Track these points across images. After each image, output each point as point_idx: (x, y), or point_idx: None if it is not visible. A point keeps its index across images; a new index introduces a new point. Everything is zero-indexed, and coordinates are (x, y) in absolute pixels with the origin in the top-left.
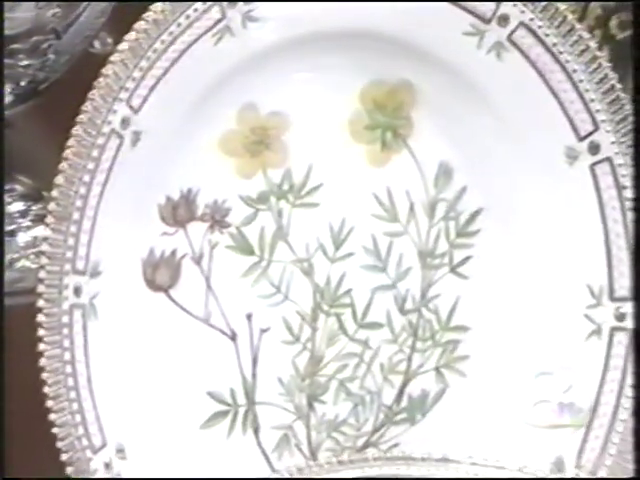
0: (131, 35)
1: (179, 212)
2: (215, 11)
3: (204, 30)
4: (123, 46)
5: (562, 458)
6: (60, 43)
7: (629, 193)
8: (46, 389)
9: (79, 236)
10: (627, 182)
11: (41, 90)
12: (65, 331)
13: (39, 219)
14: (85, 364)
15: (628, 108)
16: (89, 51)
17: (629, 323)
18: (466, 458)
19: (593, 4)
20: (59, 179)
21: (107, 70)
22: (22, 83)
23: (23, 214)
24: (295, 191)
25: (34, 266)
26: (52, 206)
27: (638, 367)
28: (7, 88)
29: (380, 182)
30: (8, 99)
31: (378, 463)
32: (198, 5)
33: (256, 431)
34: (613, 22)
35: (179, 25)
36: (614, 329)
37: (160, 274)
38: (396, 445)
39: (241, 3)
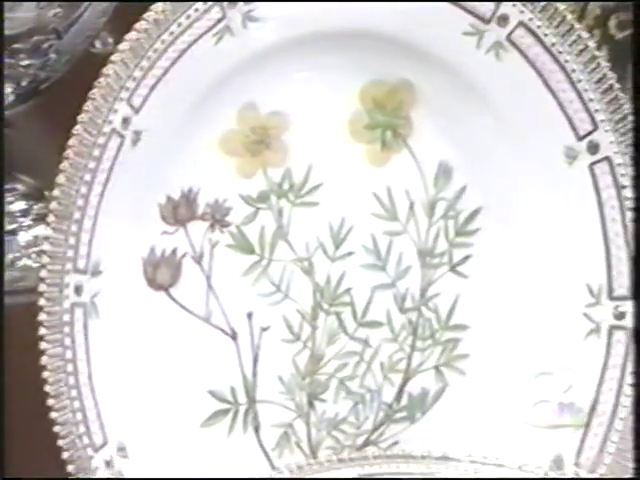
0: (132, 35)
1: (180, 211)
2: (215, 11)
3: (204, 30)
4: (124, 46)
5: (561, 456)
6: (61, 43)
7: (628, 192)
8: (47, 387)
9: (80, 235)
10: (626, 181)
11: (42, 90)
12: (66, 330)
13: (40, 218)
14: (86, 362)
15: (627, 107)
16: (90, 51)
17: (628, 322)
18: (466, 456)
19: (592, 4)
20: (60, 178)
21: (108, 70)
22: (23, 83)
23: (24, 213)
24: (295, 190)
25: (35, 265)
26: (53, 205)
27: (638, 366)
28: (8, 88)
29: (380, 181)
30: (9, 99)
31: (378, 461)
32: (199, 5)
33: (257, 429)
34: (612, 22)
35: (180, 25)
36: (613, 328)
37: (161, 273)
38: (396, 443)
39: (241, 3)
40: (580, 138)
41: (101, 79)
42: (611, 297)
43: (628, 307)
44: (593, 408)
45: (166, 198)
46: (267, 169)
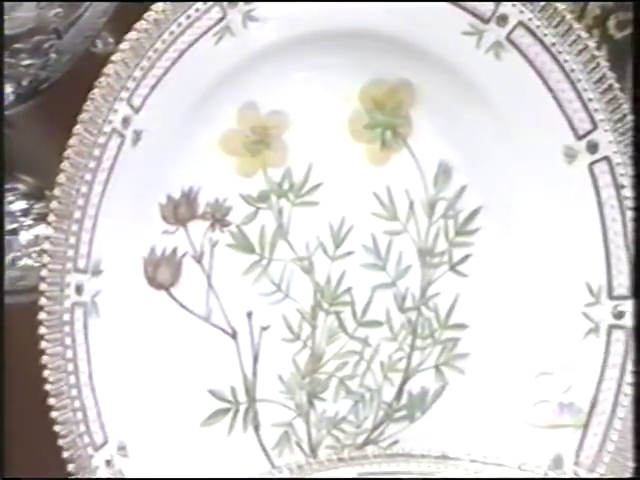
0: (132, 35)
1: (180, 211)
2: (216, 11)
3: (205, 30)
4: (124, 46)
5: (561, 455)
6: (62, 43)
7: (627, 192)
8: (48, 387)
9: (81, 235)
10: (625, 181)
11: (43, 89)
12: (67, 329)
13: (41, 218)
14: (87, 362)
15: (626, 107)
16: (90, 50)
17: (627, 321)
18: (465, 455)
19: (591, 4)
20: (61, 178)
21: (108, 69)
22: (24, 82)
23: (25, 213)
24: (295, 190)
25: (36, 264)
26: (54, 205)
27: (638, 366)
28: (9, 87)
29: (380, 181)
30: (10, 98)
31: (378, 460)
32: (199, 5)
33: (257, 428)
34: (611, 22)
35: (180, 25)
36: (612, 327)
37: (161, 272)
38: (396, 442)
39: (241, 3)
40: (579, 137)
41: (101, 79)
42: (611, 296)
43: (627, 306)
44: (592, 407)
45: (166, 197)
46: (267, 169)
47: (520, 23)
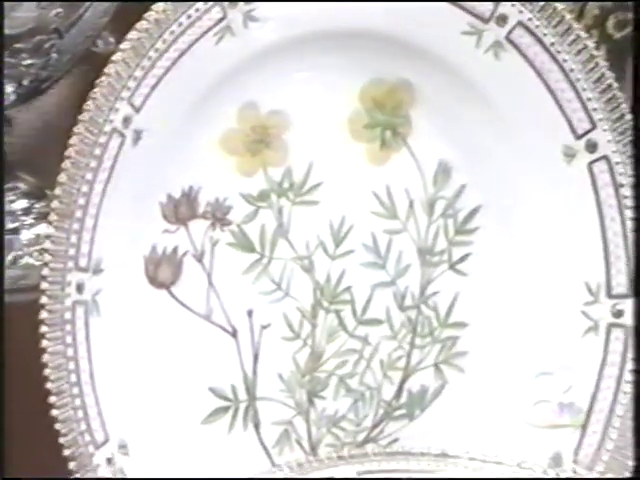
0: (133, 34)
1: (181, 210)
2: (216, 11)
3: (205, 30)
4: (125, 45)
5: (560, 453)
6: (62, 42)
7: (626, 191)
8: (49, 385)
9: (82, 234)
10: (624, 180)
11: (44, 89)
12: (68, 327)
13: (42, 217)
14: (87, 360)
15: (625, 107)
16: (91, 50)
17: (626, 319)
18: (464, 453)
19: (590, 4)
20: (62, 177)
21: (109, 69)
22: (25, 82)
23: (26, 212)
24: (295, 189)
25: (37, 263)
26: (55, 204)
27: (638, 365)
28: (10, 87)
29: (379, 180)
30: (11, 98)
31: (378, 458)
32: (199, 5)
33: (257, 426)
34: (610, 22)
35: (180, 25)
36: (611, 325)
37: (162, 271)
38: (395, 440)
39: (242, 3)
40: (578, 137)
41: (102, 78)
42: (609, 295)
43: (626, 305)
44: (591, 406)
45: (167, 197)
46: (267, 168)
47: (519, 23)
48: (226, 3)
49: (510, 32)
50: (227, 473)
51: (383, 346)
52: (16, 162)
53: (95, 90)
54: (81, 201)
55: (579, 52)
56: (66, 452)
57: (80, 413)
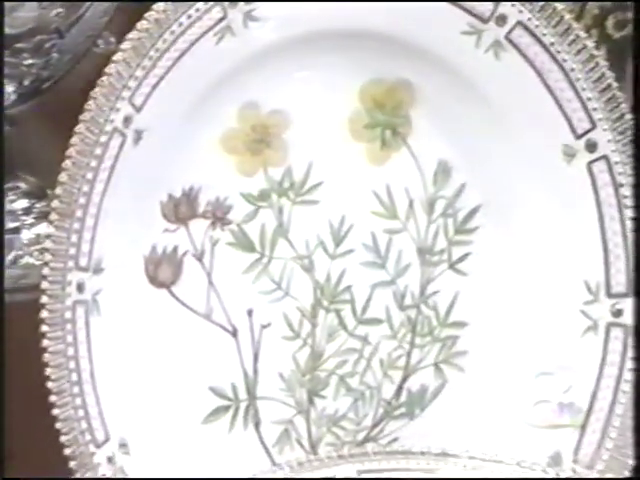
0: (134, 34)
1: (181, 209)
2: (216, 11)
3: (205, 29)
4: (126, 45)
5: (560, 453)
6: (63, 42)
7: (626, 190)
8: (49, 384)
9: (82, 233)
10: (624, 179)
11: (45, 89)
12: (68, 327)
13: (43, 216)
14: (88, 359)
15: (624, 106)
16: (92, 50)
17: (625, 319)
18: (464, 452)
19: (590, 4)
20: (62, 177)
21: (110, 69)
22: (26, 82)
23: (27, 211)
24: (295, 189)
25: (38, 263)
26: (55, 204)
27: (638, 364)
28: (11, 87)
29: (379, 180)
30: (12, 98)
31: (378, 457)
32: (200, 5)
33: (257, 426)
34: (610, 22)
35: (181, 25)
36: (610, 324)
37: (162, 271)
38: (395, 439)
39: (242, 3)
40: (578, 136)
41: (103, 78)
42: (609, 294)
43: (625, 304)
44: (591, 405)
45: (167, 196)
46: (268, 167)
47: (519, 23)
48: (226, 3)
49: (510, 32)
50: (227, 472)
51: (383, 345)
52: (17, 162)
53: (96, 90)
54: (82, 200)
55: (579, 52)
56: (67, 451)
57: (81, 412)
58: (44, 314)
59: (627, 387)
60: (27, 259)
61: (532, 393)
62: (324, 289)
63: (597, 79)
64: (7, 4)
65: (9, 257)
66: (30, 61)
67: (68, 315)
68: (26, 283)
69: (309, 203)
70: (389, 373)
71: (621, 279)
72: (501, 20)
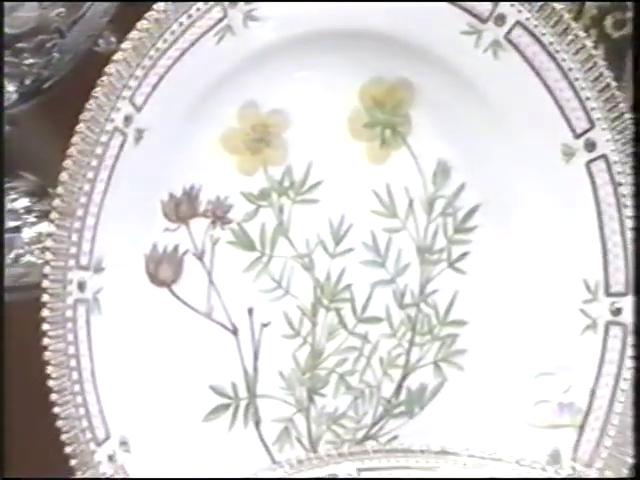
0: (134, 34)
1: (181, 208)
2: (216, 11)
3: (206, 29)
4: (126, 45)
5: (558, 451)
6: (64, 42)
7: (625, 189)
8: (50, 382)
9: (83, 232)
10: (623, 179)
11: (45, 88)
12: (69, 325)
13: (44, 215)
14: (89, 358)
15: (623, 106)
16: (93, 50)
17: (624, 317)
18: (464, 450)
19: (588, 4)
20: (63, 176)
21: (110, 68)
22: (27, 81)
23: (28, 210)
24: (295, 188)
25: (39, 261)
26: (56, 202)
27: (638, 362)
28: (12, 86)
29: (379, 179)
30: (13, 97)
31: (377, 455)
32: (200, 5)
33: (257, 424)
34: (608, 21)
35: (181, 24)
36: (609, 323)
37: (163, 269)
38: (395, 438)
39: (242, 3)
40: (577, 136)
41: (104, 78)
42: (608, 293)
43: (624, 303)
44: (590, 404)
45: (168, 195)
46: (268, 167)
47: (518, 23)
48: (226, 3)
49: (509, 32)
50: (228, 470)
51: (383, 344)
52: (18, 161)
53: (96, 89)
54: (82, 200)
55: (577, 51)
56: (67, 449)
57: (81, 410)
58: (45, 313)
59: (626, 386)
60: (28, 258)
61: (532, 393)
62: (324, 288)
63: (596, 78)
64: (7, 4)
65: (10, 256)
66: (31, 61)
67: (69, 314)
68: (27, 282)
69: (309, 202)
70: (389, 371)
71: (620, 278)
72: (500, 20)
